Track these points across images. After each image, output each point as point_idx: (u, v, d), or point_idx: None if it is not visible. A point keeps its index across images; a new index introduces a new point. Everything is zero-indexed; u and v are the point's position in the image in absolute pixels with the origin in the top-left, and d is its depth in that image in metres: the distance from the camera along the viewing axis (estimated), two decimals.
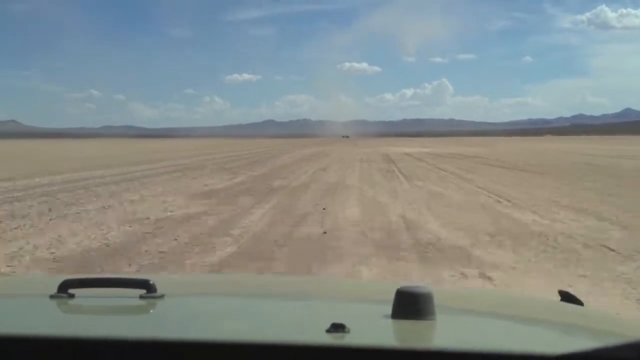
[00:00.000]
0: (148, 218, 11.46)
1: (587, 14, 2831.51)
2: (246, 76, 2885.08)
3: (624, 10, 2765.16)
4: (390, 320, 1.25)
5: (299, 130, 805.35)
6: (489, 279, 6.74)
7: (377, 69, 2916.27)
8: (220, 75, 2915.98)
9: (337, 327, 1.13)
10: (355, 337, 1.13)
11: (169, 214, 12.09)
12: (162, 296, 1.43)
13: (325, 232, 9.70)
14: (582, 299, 1.76)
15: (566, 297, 1.78)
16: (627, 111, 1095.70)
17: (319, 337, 1.12)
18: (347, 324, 1.14)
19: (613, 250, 8.23)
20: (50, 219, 11.34)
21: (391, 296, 1.28)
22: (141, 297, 1.42)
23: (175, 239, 9.20)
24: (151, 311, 1.43)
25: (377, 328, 1.27)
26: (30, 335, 1.14)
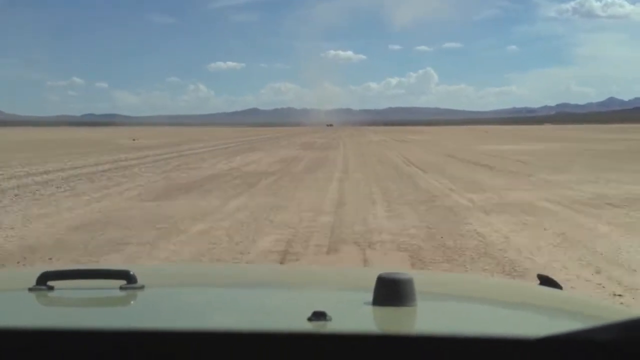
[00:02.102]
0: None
1: (572, 3, 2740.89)
2: (231, 64, 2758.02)
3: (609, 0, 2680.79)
4: (371, 307, 1.26)
5: (283, 119, 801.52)
6: None
7: (362, 57, 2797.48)
8: (205, 63, 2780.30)
9: (318, 315, 1.13)
10: (337, 325, 1.13)
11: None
12: (142, 287, 1.43)
13: None
14: None
15: (545, 281, 1.79)
16: (611, 100, 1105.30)
17: (300, 325, 1.12)
18: (329, 312, 1.14)
19: None
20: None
21: (372, 283, 1.29)
22: (121, 288, 1.41)
23: None
24: (131, 302, 1.42)
25: (358, 315, 1.27)
26: (9, 329, 1.12)
